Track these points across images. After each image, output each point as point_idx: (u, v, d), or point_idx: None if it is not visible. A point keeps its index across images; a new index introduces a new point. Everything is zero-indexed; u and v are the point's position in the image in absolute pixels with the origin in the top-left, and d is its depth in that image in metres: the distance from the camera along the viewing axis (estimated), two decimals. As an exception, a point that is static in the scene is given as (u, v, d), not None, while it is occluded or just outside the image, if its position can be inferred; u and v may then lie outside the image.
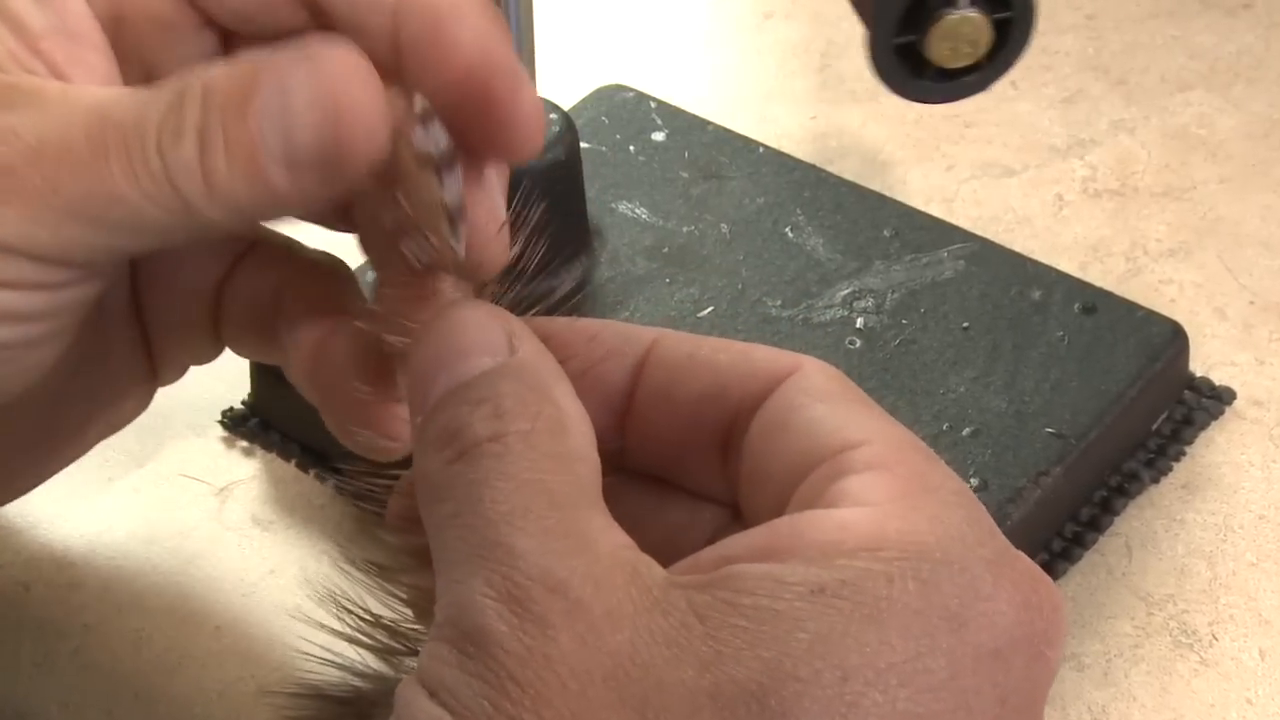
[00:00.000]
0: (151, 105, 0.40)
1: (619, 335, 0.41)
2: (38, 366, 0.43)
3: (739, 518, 0.40)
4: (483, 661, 0.34)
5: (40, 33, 0.43)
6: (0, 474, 0.49)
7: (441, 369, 0.38)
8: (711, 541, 0.37)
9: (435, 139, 0.42)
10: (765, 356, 0.39)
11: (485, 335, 0.39)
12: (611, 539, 0.36)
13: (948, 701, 0.34)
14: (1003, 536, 0.36)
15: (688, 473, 0.41)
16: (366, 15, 0.43)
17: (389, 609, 0.41)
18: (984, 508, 0.36)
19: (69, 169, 0.40)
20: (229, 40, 0.46)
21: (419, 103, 0.42)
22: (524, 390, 0.37)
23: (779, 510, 0.37)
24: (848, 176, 0.68)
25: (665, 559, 0.36)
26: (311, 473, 0.62)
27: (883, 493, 0.35)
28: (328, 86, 0.40)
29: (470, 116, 0.42)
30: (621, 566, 0.35)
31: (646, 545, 0.36)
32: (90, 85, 0.43)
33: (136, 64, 0.45)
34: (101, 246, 0.41)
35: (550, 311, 0.42)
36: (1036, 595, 0.35)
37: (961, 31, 0.52)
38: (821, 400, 0.38)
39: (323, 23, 0.44)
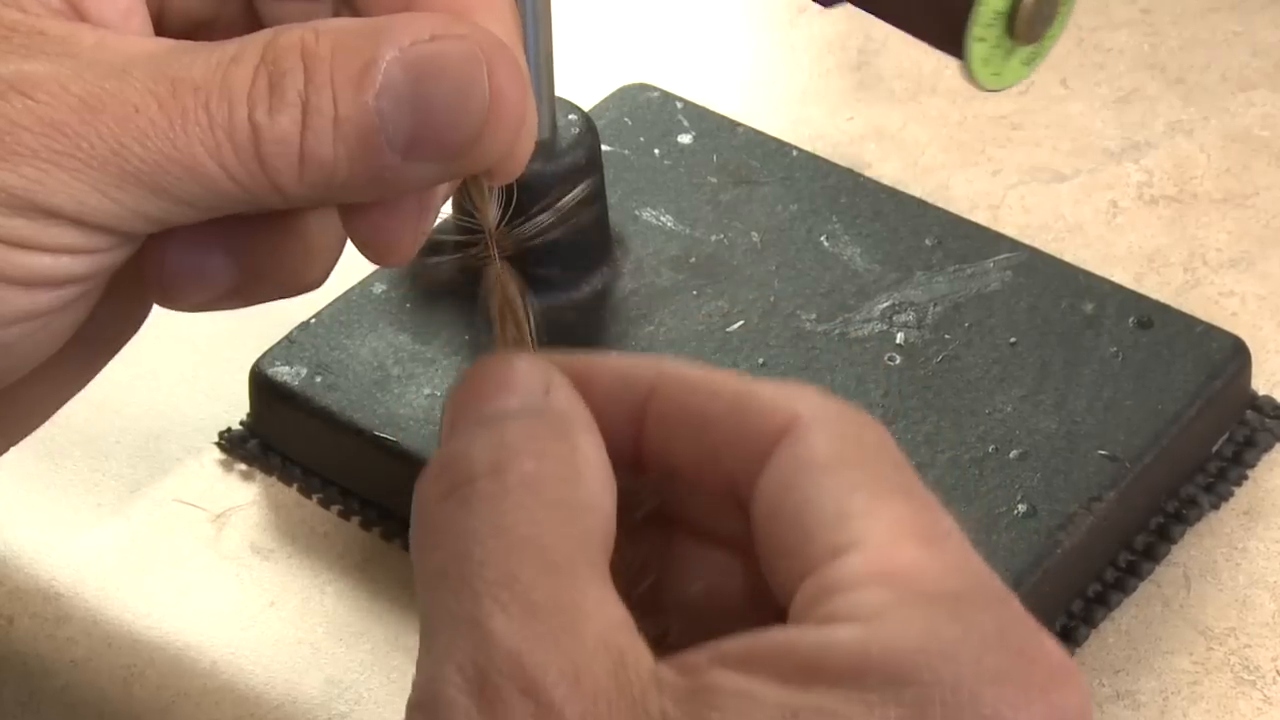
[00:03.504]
0: (234, 67, 0.38)
1: (618, 378, 0.39)
2: (71, 327, 0.41)
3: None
4: None
5: None
6: (10, 411, 0.47)
7: (465, 411, 0.38)
8: (747, 594, 0.37)
9: None
10: (760, 408, 0.38)
11: (520, 379, 0.38)
12: (603, 616, 0.35)
13: None
14: (1021, 630, 0.35)
15: (712, 523, 0.40)
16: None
17: None
18: (1001, 597, 0.35)
19: (135, 131, 0.37)
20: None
21: None
22: (536, 425, 0.37)
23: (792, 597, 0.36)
24: (887, 181, 0.68)
25: (705, 612, 0.37)
26: (314, 498, 0.62)
27: (872, 607, 0.35)
28: (477, 73, 0.37)
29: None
30: (607, 655, 0.34)
31: (687, 598, 0.37)
32: (121, 30, 0.40)
33: None
34: (156, 216, 0.39)
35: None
36: (1049, 703, 0.34)
37: None
38: (820, 473, 0.37)
39: None
